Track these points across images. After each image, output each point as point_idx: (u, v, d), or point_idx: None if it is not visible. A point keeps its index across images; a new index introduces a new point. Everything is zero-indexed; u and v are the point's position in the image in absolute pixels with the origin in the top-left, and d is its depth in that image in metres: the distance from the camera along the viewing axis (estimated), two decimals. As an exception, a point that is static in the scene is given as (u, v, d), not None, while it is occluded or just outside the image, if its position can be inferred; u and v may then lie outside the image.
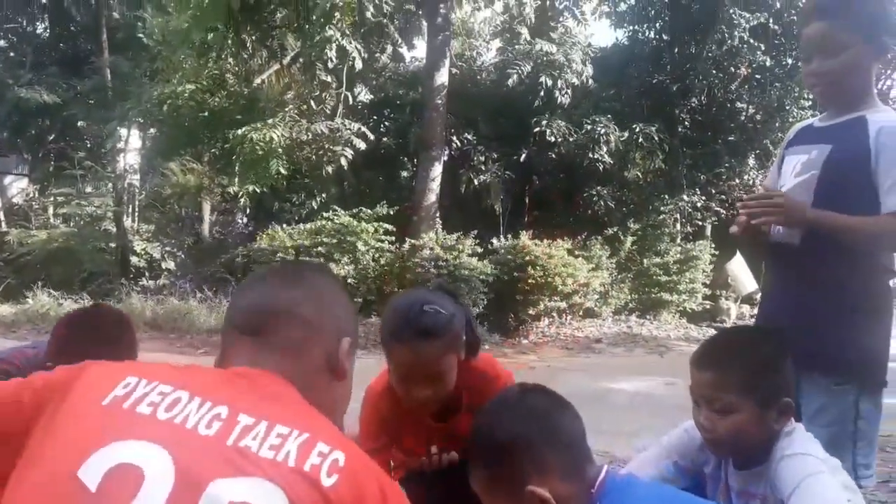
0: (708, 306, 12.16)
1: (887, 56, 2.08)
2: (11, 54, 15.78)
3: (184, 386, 0.96)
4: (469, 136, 11.89)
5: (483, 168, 11.57)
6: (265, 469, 0.88)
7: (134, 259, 12.38)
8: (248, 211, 11.07)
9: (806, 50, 2.05)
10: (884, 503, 3.39)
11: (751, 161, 12.24)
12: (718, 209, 12.09)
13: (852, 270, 1.93)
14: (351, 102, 11.38)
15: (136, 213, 15.00)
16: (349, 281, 10.29)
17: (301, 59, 11.43)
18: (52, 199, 14.86)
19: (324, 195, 11.29)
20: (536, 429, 1.32)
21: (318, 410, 1.01)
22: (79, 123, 14.97)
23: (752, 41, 11.23)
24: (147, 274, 12.15)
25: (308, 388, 1.05)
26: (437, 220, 11.18)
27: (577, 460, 1.33)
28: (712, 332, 11.39)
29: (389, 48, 10.92)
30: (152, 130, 13.77)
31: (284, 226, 10.60)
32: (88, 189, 14.04)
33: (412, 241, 10.46)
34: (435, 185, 11.25)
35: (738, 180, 12.08)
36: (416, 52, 14.22)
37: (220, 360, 1.12)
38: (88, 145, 15.33)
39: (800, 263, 2.01)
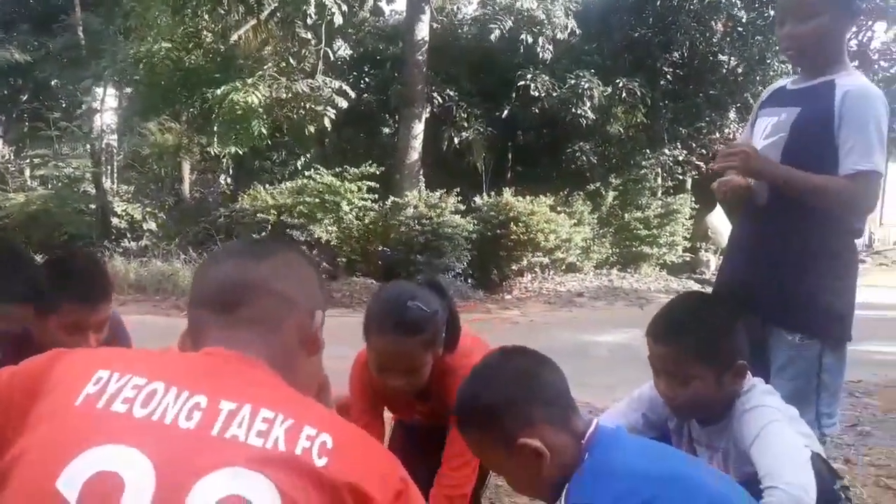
0: (688, 258, 12.37)
1: (858, 19, 2.13)
2: (-22, 12, 15.30)
3: (159, 376, 0.91)
4: (451, 93, 11.80)
5: (465, 125, 11.53)
6: (254, 458, 0.85)
7: (115, 220, 12.28)
8: (229, 171, 10.99)
9: (780, 13, 2.11)
10: (851, 446, 3.55)
11: (731, 114, 12.28)
12: (699, 163, 12.17)
13: (817, 230, 2.01)
14: (331, 59, 11.21)
15: (115, 174, 14.83)
16: (332, 241, 10.33)
17: (279, 15, 11.21)
18: (28, 160, 14.64)
19: (307, 155, 11.22)
20: (520, 388, 1.39)
21: (296, 389, 0.99)
22: (52, 83, 14.66)
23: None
24: (129, 235, 12.08)
25: (285, 366, 1.02)
26: (420, 177, 11.19)
27: (564, 412, 1.39)
28: (692, 283, 11.64)
29: (370, 2, 10.73)
30: (128, 90, 13.51)
31: (267, 186, 10.55)
32: (65, 150, 13.83)
33: (395, 199, 10.48)
34: (417, 143, 11.22)
35: (718, 134, 12.13)
36: (396, 4, 14.00)
37: (193, 341, 1.06)
38: (63, 105, 15.02)
39: (765, 223, 2.08)
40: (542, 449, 1.32)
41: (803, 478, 1.47)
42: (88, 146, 12.83)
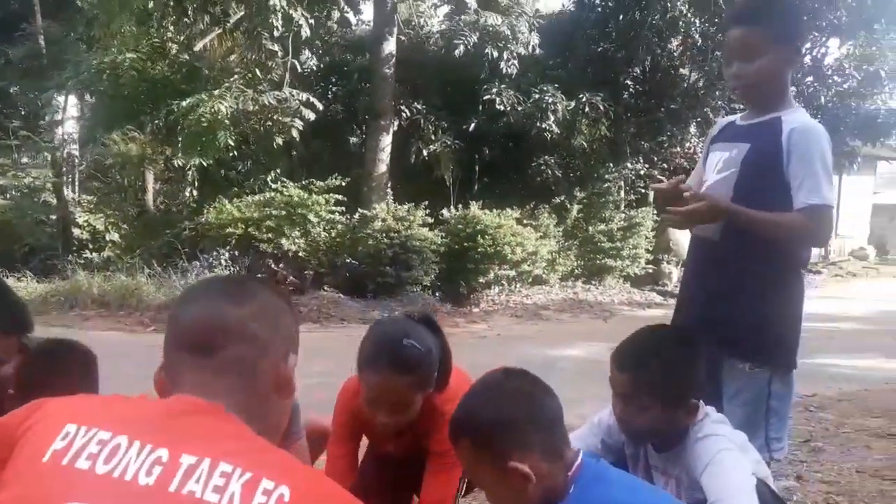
0: (651, 270, 12.59)
1: (801, 61, 2.26)
2: (-65, 18, 14.93)
3: (123, 429, 0.94)
4: (419, 106, 11.89)
5: (433, 138, 11.62)
6: None
7: (76, 231, 12.08)
8: (195, 183, 10.89)
9: (727, 53, 2.22)
10: (803, 462, 3.68)
11: (692, 129, 12.57)
12: (661, 177, 12.39)
13: (767, 264, 2.11)
14: (298, 71, 11.21)
15: (77, 184, 14.57)
16: (300, 254, 10.31)
17: (245, 25, 11.17)
18: (-14, 170, 14.32)
19: (274, 167, 11.17)
20: (518, 411, 1.44)
21: (265, 434, 1.01)
22: (12, 91, 14.38)
23: (691, 13, 11.46)
24: (91, 246, 11.89)
25: (256, 410, 1.04)
26: (388, 190, 11.23)
27: (556, 441, 1.45)
28: (655, 295, 11.87)
29: (336, 14, 10.75)
30: (89, 97, 13.30)
31: (235, 200, 10.48)
32: (25, 160, 13.56)
33: (363, 211, 10.51)
34: (385, 156, 11.26)
35: (679, 148, 12.43)
36: (364, 14, 14.03)
37: (169, 380, 1.08)
38: (24, 113, 14.73)
39: (719, 257, 2.18)
40: (530, 474, 1.37)
41: None
42: (49, 156, 12.59)
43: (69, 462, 0.92)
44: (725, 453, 1.71)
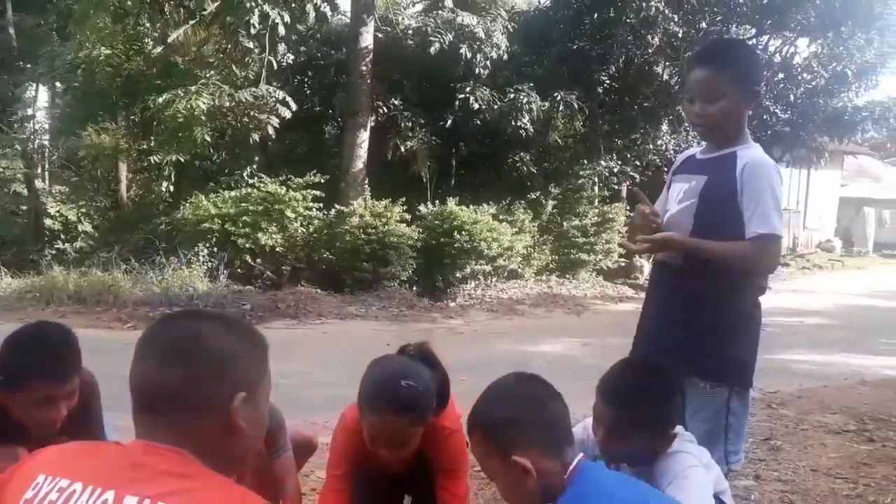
0: (623, 264, 12.84)
1: (757, 101, 2.42)
2: None
3: (80, 476, 1.07)
4: (395, 102, 11.95)
5: (410, 134, 11.69)
6: None
7: (48, 221, 11.98)
8: (171, 177, 10.84)
9: (690, 92, 2.37)
10: (762, 461, 3.89)
11: (664, 126, 12.79)
12: (633, 174, 12.65)
13: (726, 288, 2.28)
14: (275, 68, 11.19)
15: (48, 175, 14.40)
16: (277, 249, 10.36)
17: (220, 21, 11.11)
18: (-45, 161, 14.09)
19: (253, 165, 11.16)
20: (526, 411, 1.60)
21: (225, 469, 1.11)
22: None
23: (666, 11, 11.63)
24: (63, 237, 11.80)
25: (212, 451, 1.12)
26: (366, 186, 11.30)
27: (559, 442, 1.60)
28: (627, 289, 12.11)
29: (312, 12, 10.73)
30: (59, 85, 13.13)
31: (211, 195, 10.48)
32: (-6, 150, 13.37)
33: (340, 207, 10.58)
34: (362, 152, 11.32)
35: (651, 145, 12.63)
36: (340, 8, 13.97)
37: (134, 423, 1.17)
38: (-8, 103, 14.51)
39: (680, 282, 2.35)
40: (530, 469, 1.53)
41: None
42: (19, 147, 12.44)
43: None
44: (692, 470, 1.89)
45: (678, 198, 2.41)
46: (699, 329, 2.30)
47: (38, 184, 12.92)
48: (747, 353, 2.33)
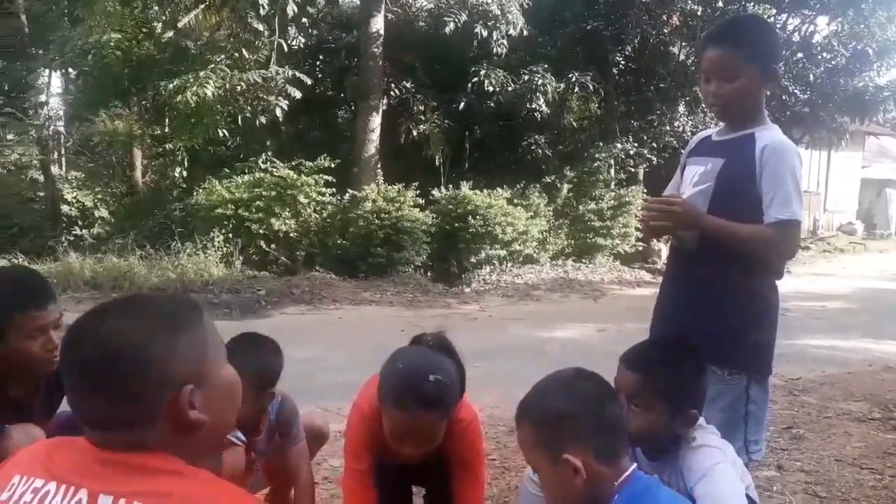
0: (640, 248, 12.68)
1: (776, 80, 2.31)
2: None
3: (55, 475, 1.02)
4: (408, 85, 11.82)
5: (423, 117, 11.57)
6: None
7: (65, 207, 12.03)
8: (184, 163, 10.84)
9: (705, 72, 2.26)
10: (784, 450, 3.79)
11: (681, 108, 12.58)
12: (650, 156, 12.47)
13: (743, 273, 2.19)
14: (285, 50, 11.11)
15: (64, 161, 14.47)
16: (291, 234, 10.33)
17: (229, 2, 11.04)
18: (-29, 148, 14.19)
19: (268, 151, 11.12)
20: (584, 409, 1.53)
21: (200, 462, 1.04)
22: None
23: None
24: (80, 223, 11.86)
25: (181, 452, 1.05)
26: (378, 171, 11.21)
27: (613, 447, 1.53)
28: (644, 273, 11.97)
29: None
30: (72, 71, 13.16)
31: (224, 181, 10.46)
32: (10, 137, 13.44)
33: (353, 192, 10.51)
34: (374, 136, 11.22)
35: (668, 127, 12.43)
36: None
37: None
38: (6, 88, 14.56)
39: (696, 267, 2.25)
40: (581, 469, 1.46)
41: None
42: (35, 133, 12.49)
43: None
44: (721, 467, 1.80)
45: (693, 181, 2.30)
46: (715, 315, 2.20)
47: (55, 170, 12.99)
48: (766, 340, 2.23)
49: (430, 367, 1.95)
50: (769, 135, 2.17)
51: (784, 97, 12.70)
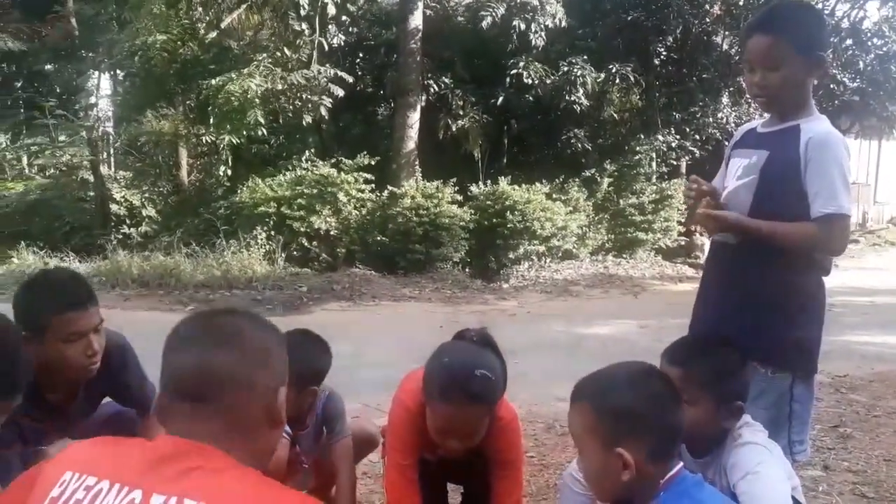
0: (683, 243, 12.48)
1: (823, 69, 2.24)
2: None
3: (108, 473, 1.05)
4: (446, 80, 11.82)
5: (461, 113, 11.57)
6: None
7: (114, 207, 12.38)
8: (228, 161, 11.05)
9: (749, 61, 2.21)
10: (831, 449, 3.71)
11: (724, 99, 12.32)
12: (692, 148, 12.25)
13: (786, 269, 2.14)
14: (326, 49, 11.22)
15: (113, 161, 14.88)
16: (332, 232, 10.45)
17: (270, 1, 11.21)
18: (25, 149, 14.70)
19: (310, 149, 11.27)
20: (649, 408, 1.53)
21: (253, 462, 1.09)
22: (46, 69, 14.66)
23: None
24: (128, 222, 12.20)
25: (244, 444, 1.11)
26: (417, 167, 11.26)
27: (667, 449, 1.53)
28: (686, 268, 11.79)
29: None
30: (120, 73, 13.51)
31: (267, 179, 10.63)
32: (62, 138, 13.88)
33: (392, 189, 10.58)
34: (413, 132, 11.27)
35: (711, 119, 12.18)
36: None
37: (160, 419, 1.16)
38: (59, 91, 15.03)
39: (738, 262, 2.21)
40: (631, 465, 1.46)
41: None
42: (85, 134, 12.87)
43: None
44: (767, 466, 1.78)
45: (737, 174, 2.26)
46: (758, 312, 2.16)
47: (104, 170, 13.36)
48: (811, 337, 2.18)
49: (475, 362, 1.96)
50: (815, 126, 2.12)
51: (832, 86, 12.34)
